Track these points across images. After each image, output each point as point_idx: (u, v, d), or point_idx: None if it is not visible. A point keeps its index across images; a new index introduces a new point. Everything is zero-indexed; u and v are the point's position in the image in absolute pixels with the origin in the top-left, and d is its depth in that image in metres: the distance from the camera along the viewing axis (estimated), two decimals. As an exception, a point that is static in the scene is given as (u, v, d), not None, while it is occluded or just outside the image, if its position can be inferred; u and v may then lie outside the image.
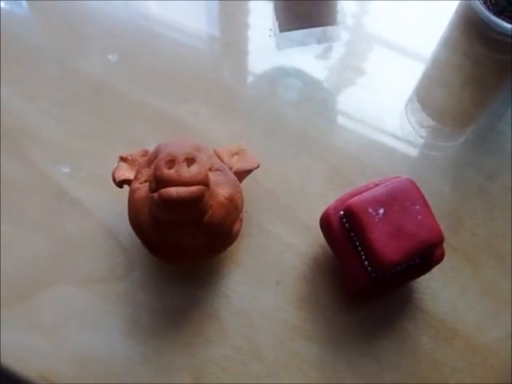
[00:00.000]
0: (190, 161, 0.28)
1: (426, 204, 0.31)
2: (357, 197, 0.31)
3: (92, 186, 0.37)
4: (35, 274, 0.34)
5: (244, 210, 0.35)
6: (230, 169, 0.33)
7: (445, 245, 0.34)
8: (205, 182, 0.27)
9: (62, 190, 0.37)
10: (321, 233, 0.34)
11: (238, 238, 0.34)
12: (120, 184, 0.32)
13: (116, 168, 0.32)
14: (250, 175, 0.35)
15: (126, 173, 0.32)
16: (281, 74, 0.42)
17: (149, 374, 0.32)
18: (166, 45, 0.43)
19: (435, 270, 0.34)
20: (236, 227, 0.32)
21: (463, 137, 0.41)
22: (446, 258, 0.34)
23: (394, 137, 0.40)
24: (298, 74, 0.42)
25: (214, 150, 0.33)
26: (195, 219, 0.28)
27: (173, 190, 0.27)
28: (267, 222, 0.36)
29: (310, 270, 0.35)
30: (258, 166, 0.34)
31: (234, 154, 0.34)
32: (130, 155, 0.33)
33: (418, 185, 0.32)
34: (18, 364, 0.32)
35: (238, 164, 0.33)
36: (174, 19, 0.44)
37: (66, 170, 0.37)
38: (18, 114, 0.39)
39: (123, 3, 0.44)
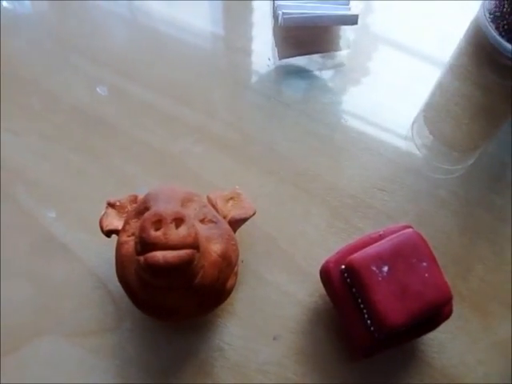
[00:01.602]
0: (179, 221, 0.26)
1: (433, 259, 0.29)
2: (359, 252, 0.29)
3: (80, 230, 0.35)
4: (20, 324, 0.33)
5: (240, 260, 0.33)
6: (225, 217, 0.31)
7: (454, 292, 0.32)
8: (194, 245, 0.26)
9: (49, 235, 0.35)
10: (320, 281, 0.32)
11: (235, 288, 0.32)
12: (108, 234, 0.30)
13: (103, 215, 0.31)
14: (248, 221, 0.33)
15: (114, 221, 0.30)
16: (286, 75, 0.40)
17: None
18: (159, 72, 0.40)
19: (443, 320, 0.32)
20: (230, 282, 0.30)
21: (470, 162, 0.39)
22: (454, 307, 0.32)
23: (397, 164, 0.38)
24: (303, 74, 0.40)
25: (208, 197, 0.31)
26: (185, 283, 0.26)
27: (159, 255, 0.25)
28: (264, 269, 0.34)
29: (310, 321, 0.33)
30: (254, 214, 0.32)
31: (228, 199, 0.32)
32: (119, 201, 0.31)
33: (424, 228, 0.30)
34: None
35: (233, 211, 0.31)
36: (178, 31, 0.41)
37: (53, 214, 0.35)
38: (5, 150, 0.37)
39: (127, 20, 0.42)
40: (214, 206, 0.31)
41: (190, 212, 0.29)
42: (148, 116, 0.39)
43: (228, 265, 0.29)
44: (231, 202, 0.32)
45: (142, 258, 0.25)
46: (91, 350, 0.32)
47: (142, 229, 0.25)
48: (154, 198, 0.28)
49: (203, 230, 0.28)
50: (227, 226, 0.30)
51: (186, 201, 0.29)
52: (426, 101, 0.41)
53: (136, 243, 0.26)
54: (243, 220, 0.31)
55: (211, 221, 0.29)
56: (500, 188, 0.38)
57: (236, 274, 0.31)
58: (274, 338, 0.32)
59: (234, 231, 0.31)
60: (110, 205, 0.31)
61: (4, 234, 0.35)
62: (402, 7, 0.44)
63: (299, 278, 0.34)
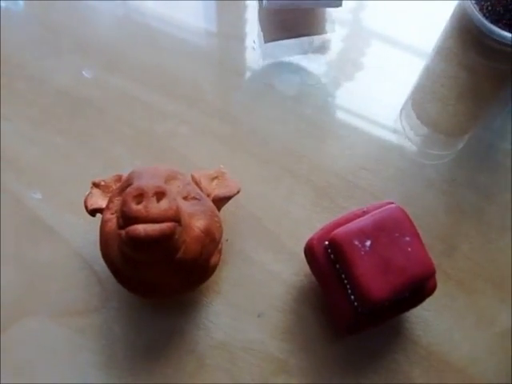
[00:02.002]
0: (160, 195, 0.26)
1: (416, 234, 0.29)
2: (342, 227, 0.29)
3: (66, 212, 0.35)
4: (7, 306, 0.33)
5: (224, 239, 0.33)
6: (209, 195, 0.31)
7: (438, 270, 0.32)
8: (176, 218, 0.26)
9: (35, 217, 0.35)
10: (305, 259, 0.32)
11: (220, 266, 0.33)
12: (92, 213, 0.30)
13: (88, 195, 0.31)
14: (233, 199, 0.33)
15: (99, 201, 0.30)
16: (279, 70, 0.40)
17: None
18: (149, 54, 0.40)
19: (428, 298, 0.32)
20: (214, 259, 0.30)
21: (458, 146, 0.39)
22: (438, 285, 0.32)
23: (385, 147, 0.38)
24: (297, 69, 0.40)
25: (192, 175, 0.32)
26: (167, 257, 0.26)
27: (140, 228, 0.25)
28: (250, 248, 0.34)
29: (295, 300, 0.33)
30: (238, 192, 0.32)
31: (213, 178, 0.32)
32: (104, 181, 0.31)
33: (410, 208, 0.30)
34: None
35: (218, 190, 0.31)
36: (165, 16, 0.42)
37: (39, 196, 0.35)
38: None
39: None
40: (197, 185, 0.31)
41: (174, 189, 0.29)
42: (134, 99, 0.39)
43: (211, 241, 0.29)
44: (216, 180, 0.32)
45: (123, 232, 0.25)
46: (77, 329, 0.32)
47: (124, 203, 0.26)
48: (137, 176, 0.28)
49: (186, 207, 0.28)
50: (211, 204, 0.30)
51: (170, 178, 0.29)
52: (413, 85, 0.41)
53: (118, 218, 0.26)
54: (227, 198, 0.32)
55: (194, 198, 0.29)
56: (486, 168, 0.38)
57: (220, 252, 0.31)
58: (259, 316, 0.32)
59: (219, 209, 0.31)
60: (95, 185, 0.31)
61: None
62: (391, 2, 0.44)
63: (284, 257, 0.34)
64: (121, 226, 0.26)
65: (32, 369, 0.31)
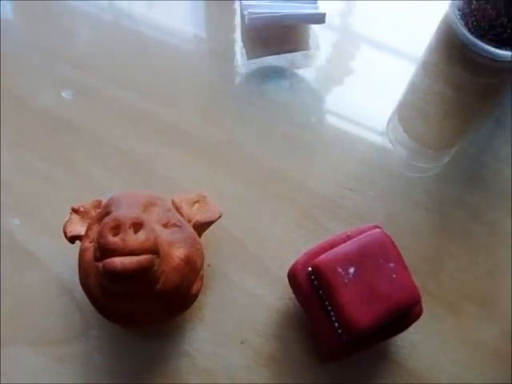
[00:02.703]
0: (138, 226, 0.25)
1: (400, 260, 0.29)
2: (325, 254, 0.29)
3: (45, 236, 0.34)
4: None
5: (206, 264, 0.33)
6: (190, 221, 0.30)
7: (423, 292, 0.31)
8: (153, 250, 0.25)
9: (13, 241, 0.34)
10: (288, 284, 0.32)
11: (203, 291, 0.32)
12: (71, 240, 0.30)
13: (67, 221, 0.30)
14: (215, 222, 0.32)
15: (78, 227, 0.30)
16: (269, 75, 0.40)
17: None
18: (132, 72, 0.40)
19: (414, 320, 0.32)
20: (195, 287, 0.29)
21: (444, 161, 0.38)
22: (425, 306, 0.32)
23: (371, 165, 0.38)
24: (287, 74, 0.40)
25: (173, 200, 0.31)
26: (146, 288, 0.26)
27: (117, 261, 0.24)
28: (233, 272, 0.34)
29: (278, 324, 0.33)
30: (219, 217, 0.31)
31: (194, 202, 0.32)
32: (83, 206, 0.31)
33: (395, 228, 0.30)
34: None
35: (199, 215, 0.31)
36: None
37: (16, 221, 0.34)
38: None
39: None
40: (178, 210, 0.31)
41: (153, 217, 0.28)
42: (115, 119, 0.38)
43: (192, 269, 0.28)
44: (197, 205, 0.32)
45: (100, 265, 0.25)
46: (57, 358, 0.32)
47: (100, 234, 0.25)
48: (115, 203, 0.28)
49: (166, 235, 0.28)
50: (192, 230, 0.29)
51: (149, 205, 0.29)
52: (399, 99, 0.40)
53: (95, 249, 0.25)
54: (208, 223, 0.31)
55: (175, 225, 0.29)
56: (473, 187, 0.38)
57: (202, 279, 0.30)
58: (242, 343, 0.32)
59: (200, 235, 0.31)
60: (74, 210, 0.31)
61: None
62: (380, 7, 0.43)
63: (268, 281, 0.34)
64: (98, 258, 0.25)
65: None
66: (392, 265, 0.28)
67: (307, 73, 0.41)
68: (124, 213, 0.26)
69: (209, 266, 0.33)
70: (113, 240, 0.25)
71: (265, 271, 0.34)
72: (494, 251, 0.36)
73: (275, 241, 0.35)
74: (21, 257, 0.34)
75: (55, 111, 0.38)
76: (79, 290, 0.32)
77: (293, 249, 0.34)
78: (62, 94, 0.39)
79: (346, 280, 0.28)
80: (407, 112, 0.40)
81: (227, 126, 0.39)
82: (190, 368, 0.32)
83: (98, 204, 0.31)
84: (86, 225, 0.30)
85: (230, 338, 0.32)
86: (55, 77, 0.40)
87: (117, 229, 0.25)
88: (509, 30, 0.37)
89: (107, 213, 0.28)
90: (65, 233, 0.30)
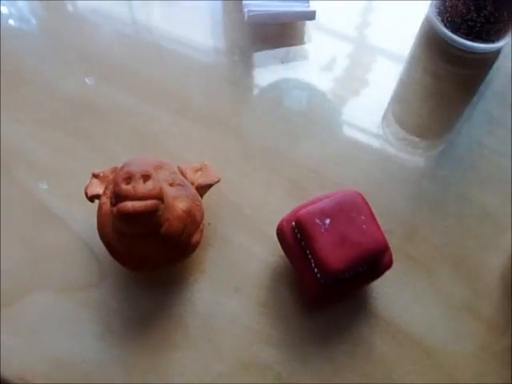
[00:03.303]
0: (146, 177, 0.30)
1: (371, 214, 0.33)
2: (305, 209, 0.33)
3: (70, 202, 0.39)
4: (15, 282, 0.37)
5: (207, 222, 0.37)
6: (193, 183, 0.35)
7: (399, 252, 0.36)
8: (159, 197, 0.30)
9: (42, 205, 0.39)
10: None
11: (204, 248, 0.37)
12: (91, 199, 0.35)
13: (88, 184, 0.35)
14: (216, 189, 0.37)
15: (97, 188, 0.35)
16: (287, 86, 0.45)
17: (118, 374, 0.34)
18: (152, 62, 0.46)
19: (390, 276, 0.36)
20: (195, 238, 0.34)
21: (434, 150, 0.43)
22: (400, 265, 0.36)
23: (363, 149, 0.42)
24: (304, 85, 0.45)
25: (179, 167, 0.36)
26: (152, 230, 0.31)
27: (129, 205, 0.29)
28: (231, 232, 0.39)
29: (271, 277, 0.37)
30: (218, 181, 0.36)
31: (197, 170, 0.37)
32: (102, 172, 0.36)
33: (375, 197, 0.34)
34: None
35: (200, 179, 0.36)
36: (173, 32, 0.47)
37: (45, 186, 0.40)
38: (5, 136, 0.42)
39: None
40: (183, 175, 0.36)
41: (160, 176, 0.33)
42: (132, 104, 0.44)
43: (192, 221, 0.33)
44: (199, 172, 0.37)
45: (115, 209, 0.30)
46: (78, 303, 0.36)
47: (115, 183, 0.30)
48: (128, 165, 0.33)
49: (171, 191, 0.33)
50: (193, 190, 0.35)
51: (158, 168, 0.34)
52: (391, 95, 0.45)
53: (111, 197, 0.31)
54: (208, 186, 0.36)
55: (179, 184, 0.34)
56: (446, 163, 0.42)
57: (201, 232, 0.35)
58: (235, 290, 0.36)
59: (201, 196, 0.36)
60: (94, 175, 0.36)
61: (4, 206, 0.39)
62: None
63: (261, 240, 0.38)
64: (113, 204, 0.30)
65: (37, 335, 0.35)
66: (363, 218, 0.33)
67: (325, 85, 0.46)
68: (135, 167, 0.31)
69: (209, 224, 0.38)
70: (125, 187, 0.30)
71: (259, 232, 0.39)
72: (464, 219, 0.40)
73: (268, 206, 0.39)
74: (48, 219, 0.39)
75: (79, 96, 0.44)
76: (98, 246, 0.37)
77: (283, 213, 0.37)
78: (86, 80, 0.44)
79: (323, 229, 0.32)
80: (397, 104, 0.45)
81: (223, 111, 0.44)
82: (192, 313, 0.36)
83: (114, 170, 0.36)
84: (104, 186, 0.35)
85: (227, 288, 0.37)
86: (80, 67, 0.46)
87: (129, 179, 0.30)
88: (479, 24, 0.41)
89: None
90: (86, 193, 0.35)
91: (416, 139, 0.43)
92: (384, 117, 0.44)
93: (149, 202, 0.30)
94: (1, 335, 0.35)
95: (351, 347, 0.36)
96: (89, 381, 0.34)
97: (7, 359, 0.34)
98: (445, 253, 0.39)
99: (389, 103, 0.45)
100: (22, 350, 0.35)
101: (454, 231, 0.40)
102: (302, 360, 0.35)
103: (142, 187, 0.30)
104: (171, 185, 0.33)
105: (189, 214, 0.33)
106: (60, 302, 0.37)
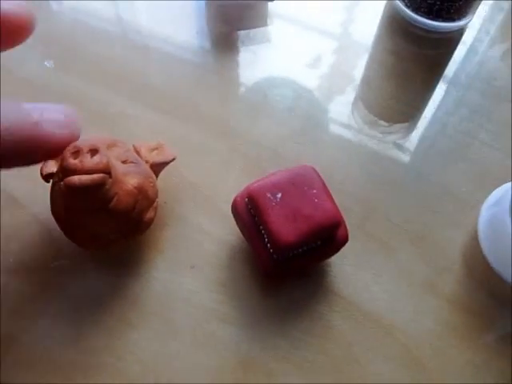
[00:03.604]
0: (94, 152, 0.30)
1: (324, 188, 0.33)
2: (257, 183, 0.33)
3: (27, 182, 0.39)
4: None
5: (163, 201, 0.37)
6: (147, 162, 0.35)
7: (359, 230, 0.35)
8: (106, 170, 0.30)
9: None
10: (235, 222, 0.36)
11: (160, 227, 0.37)
12: (46, 178, 0.34)
13: (43, 164, 0.35)
14: (175, 170, 0.37)
15: (52, 168, 0.34)
16: (272, 85, 0.45)
17: (73, 355, 0.34)
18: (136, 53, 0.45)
19: (349, 254, 0.36)
20: (148, 215, 0.34)
21: (398, 132, 0.43)
22: (359, 244, 0.36)
23: (325, 131, 0.42)
24: (289, 83, 0.45)
25: (133, 146, 0.36)
26: (101, 205, 0.31)
27: (76, 178, 0.29)
28: (189, 212, 0.38)
29: (227, 256, 0.37)
30: (173, 159, 0.36)
31: (153, 150, 0.36)
32: None
33: (334, 175, 0.34)
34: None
35: (155, 157, 0.36)
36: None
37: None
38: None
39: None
40: (137, 153, 0.35)
41: (114, 154, 0.33)
42: (91, 85, 0.44)
43: (144, 197, 0.33)
44: (155, 151, 0.37)
45: (62, 183, 0.29)
46: (34, 283, 0.36)
47: (63, 158, 0.30)
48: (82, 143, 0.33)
49: (122, 168, 0.33)
50: (147, 167, 0.34)
51: (111, 145, 0.33)
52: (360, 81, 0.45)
53: (58, 172, 0.30)
54: (164, 164, 0.36)
55: (132, 162, 0.33)
56: (406, 143, 0.42)
57: (155, 210, 0.35)
58: (192, 267, 0.36)
59: (156, 174, 0.36)
60: None
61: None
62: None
63: (219, 220, 0.38)
64: (60, 179, 0.30)
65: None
66: (315, 191, 0.33)
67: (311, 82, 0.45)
68: (83, 141, 0.31)
69: (165, 203, 0.38)
70: (73, 162, 0.30)
71: (217, 211, 0.38)
72: (424, 198, 0.40)
73: (227, 186, 0.39)
74: (4, 200, 0.39)
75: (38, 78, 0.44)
76: (54, 227, 0.37)
77: None
78: (46, 63, 0.44)
79: (274, 203, 0.32)
80: (362, 85, 0.44)
81: (182, 92, 0.44)
82: (148, 292, 0.36)
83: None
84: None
85: (183, 267, 0.37)
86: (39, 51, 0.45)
87: (76, 154, 0.30)
88: (438, 2, 0.41)
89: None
90: (41, 173, 0.34)
91: (384, 123, 0.43)
92: (354, 102, 0.44)
93: (95, 176, 0.29)
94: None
95: (310, 325, 0.35)
96: (42, 361, 0.34)
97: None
98: (404, 231, 0.39)
99: (357, 86, 0.44)
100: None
101: (415, 210, 0.39)
102: (260, 338, 0.35)
103: (89, 161, 0.30)
104: (124, 162, 0.33)
105: (140, 190, 0.32)
106: (14, 282, 0.36)
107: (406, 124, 0.42)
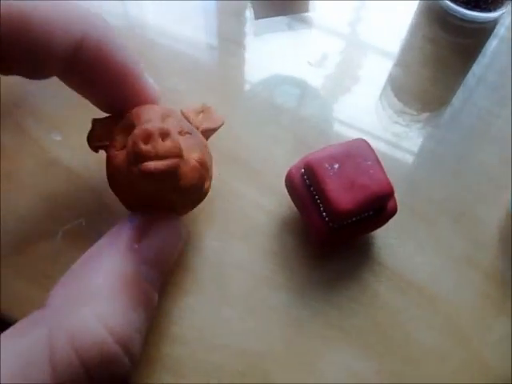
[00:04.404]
0: (165, 135, 0.30)
1: (377, 161, 0.35)
2: (314, 154, 0.35)
3: (80, 153, 0.40)
4: (25, 230, 0.38)
5: (217, 172, 0.38)
6: (197, 128, 0.35)
7: (402, 205, 0.37)
8: (179, 154, 0.30)
9: (53, 157, 0.40)
10: (287, 195, 0.37)
11: (212, 199, 0.38)
12: (95, 149, 0.34)
13: (90, 132, 0.34)
14: (224, 145, 0.39)
15: (101, 137, 0.34)
16: (278, 82, 0.46)
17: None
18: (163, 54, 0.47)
19: (392, 227, 0.38)
20: (206, 185, 0.34)
21: (435, 115, 0.44)
22: (402, 217, 0.38)
23: (365, 121, 0.44)
24: (295, 81, 0.46)
25: (181, 111, 0.35)
26: (171, 186, 0.31)
27: (151, 164, 0.29)
28: (239, 185, 0.40)
29: (278, 226, 0.38)
30: (222, 124, 0.36)
31: (199, 112, 0.36)
32: (104, 119, 0.35)
33: (379, 154, 0.36)
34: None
35: (205, 123, 0.36)
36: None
37: (58, 138, 0.40)
38: (16, 91, 0.43)
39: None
40: (187, 119, 0.35)
41: (170, 125, 0.32)
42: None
43: (205, 169, 0.33)
44: (202, 114, 0.36)
45: (136, 169, 0.29)
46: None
47: (134, 144, 0.30)
48: (136, 115, 0.32)
49: (182, 142, 0.32)
50: (201, 136, 0.34)
51: (165, 116, 0.33)
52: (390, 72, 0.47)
53: (129, 155, 0.30)
54: (213, 130, 0.36)
55: (187, 132, 0.33)
56: (445, 124, 0.44)
57: (211, 178, 0.35)
58: (243, 239, 0.38)
59: (206, 139, 0.36)
60: (96, 122, 0.34)
61: (16, 158, 0.40)
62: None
63: (269, 193, 0.39)
64: (132, 163, 0.30)
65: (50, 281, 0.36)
66: (370, 163, 0.34)
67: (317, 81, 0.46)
68: (152, 124, 0.30)
69: (219, 174, 0.39)
70: (145, 148, 0.29)
71: (267, 185, 0.40)
72: (463, 177, 0.41)
73: (276, 161, 0.41)
74: (59, 169, 0.40)
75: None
76: (110, 197, 0.38)
77: (288, 167, 0.39)
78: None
79: (332, 173, 0.34)
80: (397, 67, 0.46)
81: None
82: (201, 261, 0.37)
83: (115, 117, 0.34)
84: (107, 135, 0.33)
85: (235, 237, 0.38)
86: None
87: (147, 138, 0.30)
88: (477, -7, 0.43)
89: (131, 124, 0.32)
90: (88, 142, 0.34)
91: (418, 105, 0.44)
92: (383, 89, 0.45)
93: (170, 162, 0.30)
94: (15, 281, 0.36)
95: (357, 294, 0.37)
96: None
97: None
98: (445, 207, 0.40)
99: (389, 71, 0.46)
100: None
101: (454, 188, 0.41)
102: (309, 305, 0.36)
103: (161, 146, 0.30)
104: (180, 133, 0.33)
105: (201, 163, 0.33)
106: (68, 249, 0.37)
107: (441, 106, 0.44)
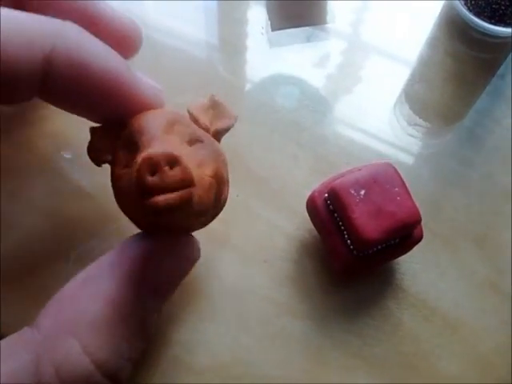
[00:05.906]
0: (172, 162, 0.26)
1: (404, 186, 0.33)
2: (340, 179, 0.33)
3: (91, 171, 0.38)
4: (35, 252, 0.36)
5: (235, 194, 0.37)
6: (208, 130, 0.31)
7: (425, 229, 0.36)
8: (191, 184, 0.27)
9: (64, 175, 0.39)
10: (307, 217, 0.36)
11: (230, 221, 0.36)
12: (98, 164, 0.31)
13: (90, 144, 0.31)
14: (243, 164, 0.37)
15: (102, 149, 0.31)
16: (279, 83, 0.44)
17: (149, 348, 0.34)
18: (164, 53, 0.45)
19: (415, 252, 0.36)
20: (224, 195, 0.31)
21: (449, 133, 0.43)
22: (425, 242, 0.36)
23: (380, 134, 0.42)
24: (297, 82, 0.44)
25: (189, 113, 0.31)
26: (186, 212, 0.28)
27: (161, 199, 0.26)
28: (257, 206, 0.38)
29: (297, 251, 0.37)
30: (235, 121, 0.32)
31: (208, 108, 0.32)
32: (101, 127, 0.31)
33: (402, 173, 0.34)
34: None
35: (216, 123, 0.32)
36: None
37: (69, 156, 0.39)
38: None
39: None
40: (196, 122, 0.31)
41: (177, 135, 0.29)
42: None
43: (221, 182, 0.30)
44: (211, 111, 0.32)
45: (145, 202, 0.26)
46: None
47: (139, 176, 0.26)
48: (138, 129, 0.28)
49: (192, 155, 0.29)
50: (213, 141, 0.31)
51: (171, 124, 0.29)
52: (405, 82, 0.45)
53: (135, 186, 0.26)
54: (226, 130, 0.32)
55: (198, 140, 0.29)
56: (469, 143, 0.42)
57: (228, 185, 0.32)
58: (265, 261, 0.36)
59: (219, 141, 0.32)
60: (94, 131, 0.31)
61: (26, 176, 0.38)
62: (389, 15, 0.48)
63: (288, 214, 0.38)
64: (140, 195, 0.26)
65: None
66: (397, 189, 0.33)
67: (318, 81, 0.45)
68: (156, 150, 0.26)
69: (237, 196, 0.37)
70: (152, 180, 0.26)
71: (286, 206, 0.38)
72: (486, 198, 0.40)
73: (295, 181, 0.39)
74: (69, 187, 0.38)
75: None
76: (122, 218, 0.36)
77: (309, 188, 0.37)
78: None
79: (358, 200, 0.32)
80: (410, 81, 0.45)
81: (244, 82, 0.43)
82: (218, 286, 0.36)
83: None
84: (108, 147, 0.30)
85: (253, 260, 0.37)
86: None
87: (153, 167, 0.26)
88: (503, 7, 0.42)
89: (133, 141, 0.28)
90: (89, 156, 0.31)
91: (438, 121, 0.43)
92: (397, 101, 0.44)
93: (181, 193, 0.26)
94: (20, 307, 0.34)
95: (379, 322, 0.36)
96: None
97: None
98: (467, 230, 0.39)
99: (406, 85, 0.45)
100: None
101: (477, 209, 0.40)
102: (330, 334, 0.35)
103: (170, 178, 0.26)
104: (189, 143, 0.29)
105: (216, 177, 0.29)
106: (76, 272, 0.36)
107: (462, 123, 0.43)
